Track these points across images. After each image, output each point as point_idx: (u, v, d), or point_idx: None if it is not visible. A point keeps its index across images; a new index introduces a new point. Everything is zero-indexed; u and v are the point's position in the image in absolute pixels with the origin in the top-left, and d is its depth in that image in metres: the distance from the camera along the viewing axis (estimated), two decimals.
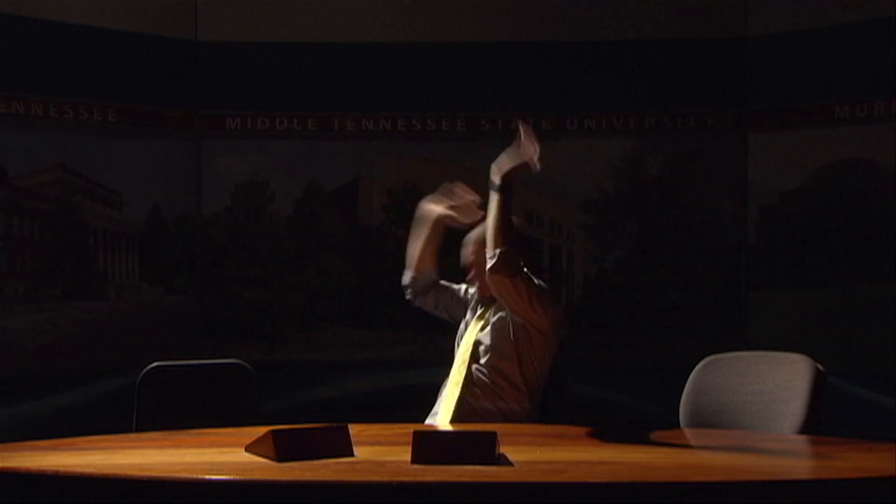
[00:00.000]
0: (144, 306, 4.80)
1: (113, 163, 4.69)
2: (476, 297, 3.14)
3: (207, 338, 4.90)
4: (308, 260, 4.96)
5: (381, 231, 4.92)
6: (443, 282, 3.26)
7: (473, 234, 3.09)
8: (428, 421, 3.06)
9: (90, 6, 4.61)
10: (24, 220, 4.53)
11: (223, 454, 2.30)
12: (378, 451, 2.27)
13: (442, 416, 2.95)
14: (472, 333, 3.05)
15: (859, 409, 4.43)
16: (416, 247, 3.17)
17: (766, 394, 2.89)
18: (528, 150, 2.81)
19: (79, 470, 2.08)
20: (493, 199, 2.88)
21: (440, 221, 3.12)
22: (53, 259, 4.59)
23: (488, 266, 2.85)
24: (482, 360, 2.98)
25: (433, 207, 3.11)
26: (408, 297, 3.24)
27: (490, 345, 2.98)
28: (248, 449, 2.22)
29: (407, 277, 3.22)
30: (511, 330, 2.96)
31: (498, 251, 2.83)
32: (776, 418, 2.81)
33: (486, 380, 2.96)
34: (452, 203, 3.09)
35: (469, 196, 3.07)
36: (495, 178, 2.87)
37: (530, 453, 2.25)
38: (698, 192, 4.92)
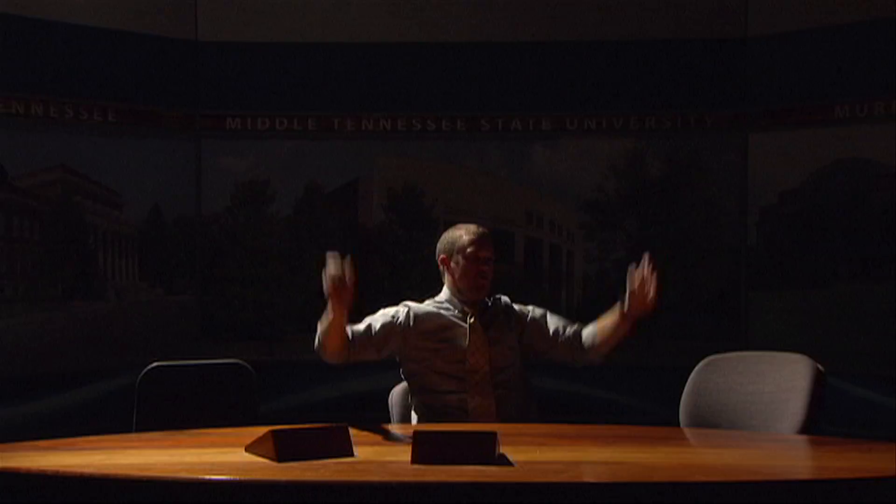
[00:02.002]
0: (144, 306, 4.80)
1: (113, 163, 4.69)
2: (458, 312, 3.03)
3: (207, 338, 4.90)
4: (308, 260, 4.96)
5: (381, 231, 4.92)
6: (361, 328, 2.98)
7: (487, 252, 3.03)
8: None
9: (91, 6, 4.61)
10: (24, 220, 4.53)
11: (223, 454, 2.30)
12: (378, 451, 2.27)
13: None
14: (482, 354, 2.98)
15: (859, 409, 4.43)
16: (324, 329, 2.86)
17: (766, 394, 2.89)
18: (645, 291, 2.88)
19: (79, 470, 2.08)
20: (623, 322, 2.95)
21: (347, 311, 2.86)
22: (53, 259, 4.59)
23: (586, 352, 3.05)
24: (506, 375, 3.00)
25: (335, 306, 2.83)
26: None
27: (511, 362, 3.02)
28: (248, 449, 2.22)
29: (316, 349, 2.93)
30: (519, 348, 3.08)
31: (600, 357, 3.05)
32: (776, 418, 2.82)
33: (512, 389, 3.01)
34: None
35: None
36: (630, 307, 2.92)
37: (530, 453, 2.25)
38: (698, 192, 4.92)
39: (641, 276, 2.87)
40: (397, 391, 3.21)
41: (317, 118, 4.95)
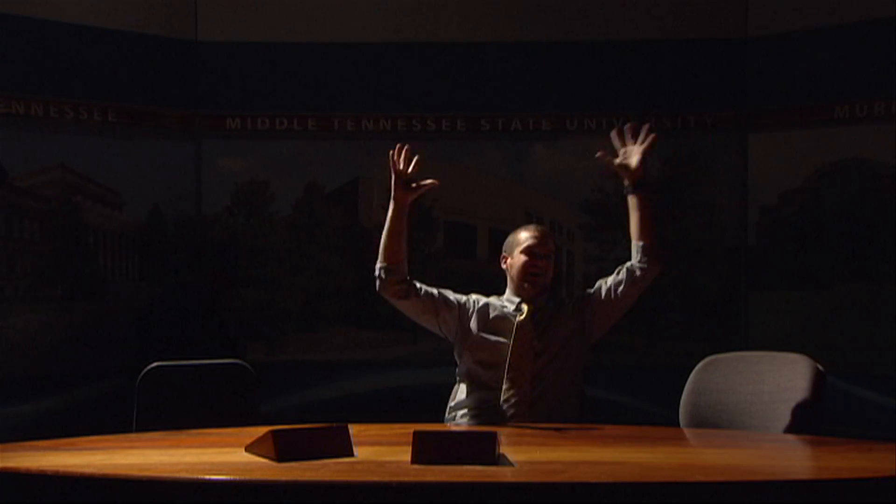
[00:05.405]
0: (144, 306, 4.80)
1: (113, 163, 4.69)
2: (515, 308, 3.11)
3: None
4: (308, 260, 4.96)
5: (381, 231, 4.91)
6: (430, 290, 3.14)
7: (545, 248, 3.12)
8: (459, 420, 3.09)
9: (90, 6, 4.61)
10: (24, 220, 4.53)
11: (223, 454, 2.30)
12: (378, 451, 2.27)
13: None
14: (526, 352, 3.03)
15: (859, 409, 4.43)
16: (386, 234, 3.09)
17: (766, 394, 2.89)
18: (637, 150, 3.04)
19: (79, 470, 2.08)
20: (633, 200, 3.06)
21: (405, 202, 3.08)
22: (53, 259, 4.59)
23: (644, 259, 3.05)
24: (548, 375, 3.04)
25: (399, 187, 3.09)
26: (378, 288, 3.11)
27: (558, 361, 3.06)
28: (248, 449, 2.22)
29: (379, 268, 3.09)
30: (579, 344, 3.12)
31: (655, 249, 3.06)
32: (776, 418, 2.82)
33: (552, 390, 3.05)
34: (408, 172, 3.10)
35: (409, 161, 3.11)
36: (627, 182, 3.07)
37: (530, 453, 2.25)
38: (698, 192, 4.92)
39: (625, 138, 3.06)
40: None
41: (317, 118, 4.95)
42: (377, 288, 3.11)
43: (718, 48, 4.84)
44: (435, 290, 3.16)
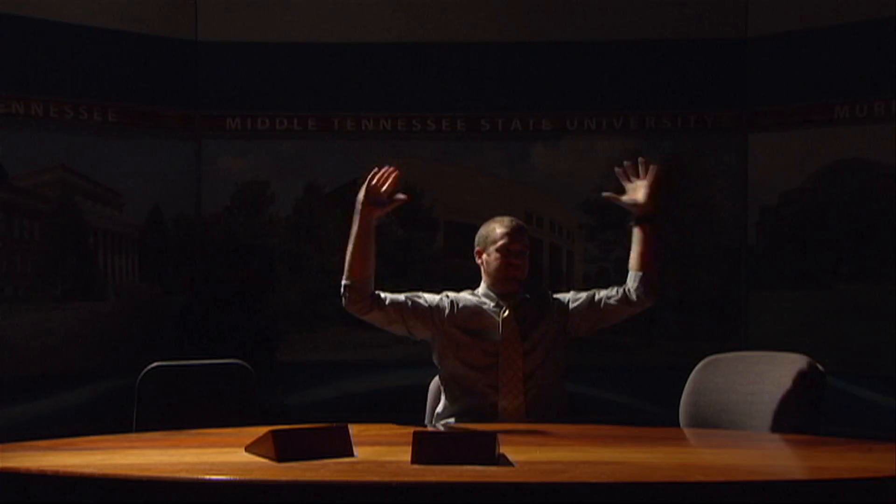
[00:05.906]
0: (144, 306, 4.80)
1: (113, 163, 4.69)
2: (494, 305, 3.06)
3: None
4: (308, 260, 4.96)
5: (381, 231, 4.91)
6: (398, 298, 3.06)
7: (520, 244, 3.07)
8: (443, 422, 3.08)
9: (90, 6, 4.61)
10: (24, 220, 4.53)
11: (223, 454, 2.30)
12: (378, 451, 2.27)
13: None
14: (515, 349, 3.00)
15: (859, 409, 4.43)
16: (351, 252, 2.98)
17: (766, 394, 2.89)
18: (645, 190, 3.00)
19: (79, 470, 2.08)
20: (638, 233, 3.02)
21: (372, 217, 2.97)
22: (53, 259, 4.59)
23: (641, 290, 3.00)
24: (539, 372, 3.02)
25: (366, 205, 2.96)
26: (344, 304, 3.01)
27: (545, 358, 3.03)
28: (248, 449, 2.22)
29: (344, 284, 3.00)
30: (562, 342, 3.09)
31: (654, 282, 3.01)
32: (776, 418, 2.82)
33: (544, 387, 3.03)
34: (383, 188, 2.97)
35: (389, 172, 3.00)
36: (635, 215, 3.02)
37: (530, 453, 2.25)
38: (698, 192, 4.92)
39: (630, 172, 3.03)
40: (435, 384, 3.21)
41: (317, 118, 4.95)
42: (343, 303, 3.01)
43: (718, 48, 4.83)
44: (403, 297, 3.05)
